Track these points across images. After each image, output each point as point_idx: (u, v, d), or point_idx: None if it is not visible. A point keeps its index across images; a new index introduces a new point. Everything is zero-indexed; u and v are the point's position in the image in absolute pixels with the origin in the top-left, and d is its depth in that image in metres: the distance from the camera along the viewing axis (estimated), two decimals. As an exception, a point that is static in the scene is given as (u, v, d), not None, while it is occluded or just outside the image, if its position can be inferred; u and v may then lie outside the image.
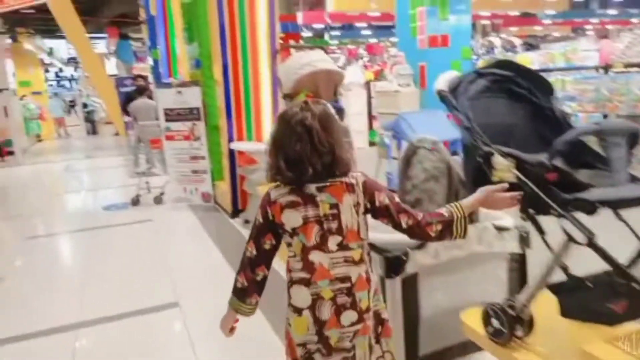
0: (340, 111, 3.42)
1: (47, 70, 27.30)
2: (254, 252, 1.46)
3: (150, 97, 8.82)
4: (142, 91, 8.95)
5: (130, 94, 9.98)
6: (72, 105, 20.77)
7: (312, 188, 1.39)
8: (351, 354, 1.43)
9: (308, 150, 1.35)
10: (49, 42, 20.03)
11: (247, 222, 5.18)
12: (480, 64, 10.17)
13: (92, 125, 18.07)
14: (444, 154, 2.38)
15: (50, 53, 19.90)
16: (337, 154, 1.38)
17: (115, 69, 22.30)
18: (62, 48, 22.93)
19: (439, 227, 1.43)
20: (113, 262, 4.41)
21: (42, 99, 19.17)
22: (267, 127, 5.15)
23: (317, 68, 2.90)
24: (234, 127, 5.13)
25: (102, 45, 22.21)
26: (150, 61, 14.08)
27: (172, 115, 6.02)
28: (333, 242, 1.39)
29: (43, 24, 15.71)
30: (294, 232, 1.40)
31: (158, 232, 5.29)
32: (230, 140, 5.22)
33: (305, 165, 1.36)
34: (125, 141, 12.00)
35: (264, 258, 1.47)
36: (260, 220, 1.45)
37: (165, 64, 10.17)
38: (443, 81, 1.77)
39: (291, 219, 1.40)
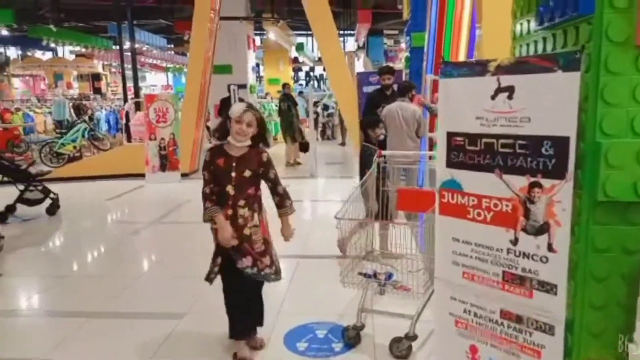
0: None
1: (299, 69, 27.43)
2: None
3: (411, 99, 5.38)
4: (404, 90, 5.55)
5: (373, 95, 6.68)
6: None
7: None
8: None
9: None
10: (298, 39, 18.91)
11: None
12: None
13: (326, 129, 15.96)
14: None
15: (300, 49, 18.71)
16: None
17: (362, 68, 20.19)
18: (314, 46, 22.00)
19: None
20: None
21: (287, 98, 18.15)
22: None
23: None
24: None
25: (350, 43, 20.35)
26: (404, 53, 10.80)
27: (471, 152, 2.19)
28: None
29: (291, 17, 14.11)
30: None
31: None
32: None
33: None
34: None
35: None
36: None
37: (432, 52, 6.51)
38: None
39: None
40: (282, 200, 2.87)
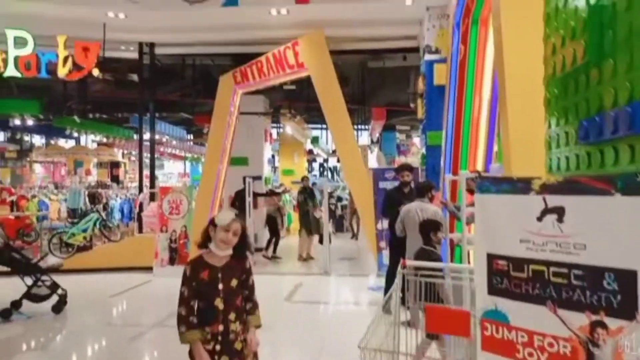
0: None
1: (314, 160, 27.87)
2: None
3: (431, 199, 5.24)
4: (423, 190, 5.44)
5: (391, 192, 6.54)
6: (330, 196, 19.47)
7: None
8: None
9: None
10: (314, 132, 19.44)
11: None
12: None
13: (338, 221, 15.73)
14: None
15: (315, 142, 19.12)
16: None
17: (375, 162, 20.44)
18: (329, 138, 22.51)
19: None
20: None
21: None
22: None
23: None
24: None
25: (364, 137, 20.83)
26: (418, 149, 10.85)
27: (517, 279, 1.93)
28: None
29: (307, 112, 14.55)
30: None
31: None
32: None
33: None
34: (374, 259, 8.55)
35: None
36: None
37: (449, 152, 6.45)
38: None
39: None
40: (254, 309, 2.70)
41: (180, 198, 8.87)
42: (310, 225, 10.13)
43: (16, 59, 8.43)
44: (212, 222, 2.66)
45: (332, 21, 8.73)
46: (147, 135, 10.90)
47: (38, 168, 24.63)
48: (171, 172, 30.85)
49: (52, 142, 22.65)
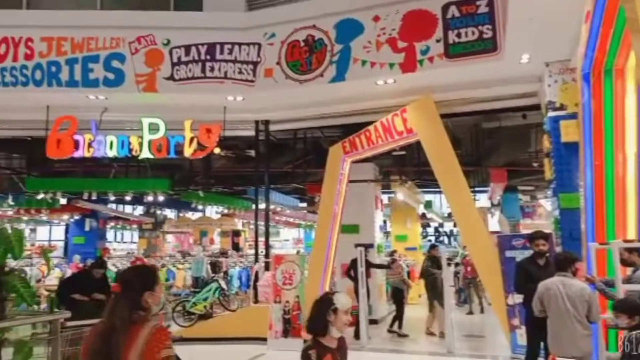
0: None
1: (427, 225, 26.88)
2: None
3: (574, 273, 4.51)
4: (564, 263, 4.74)
5: (524, 264, 5.80)
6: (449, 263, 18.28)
7: None
8: None
9: None
10: (427, 196, 18.80)
11: None
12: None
13: (462, 292, 14.49)
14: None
15: (429, 206, 18.43)
16: None
17: (497, 226, 18.99)
18: (443, 202, 21.62)
19: None
20: None
21: (416, 255, 17.28)
22: None
23: None
24: None
25: (482, 199, 19.65)
26: (546, 212, 9.79)
27: None
28: None
29: (419, 176, 14.12)
30: None
31: None
32: None
33: None
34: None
35: None
36: None
37: (591, 216, 5.61)
38: None
39: None
40: None
41: (293, 268, 8.83)
42: (437, 294, 9.26)
43: (150, 142, 9.40)
44: (330, 306, 2.66)
45: (441, 86, 8.50)
46: (262, 205, 11.31)
47: (170, 238, 26.97)
48: (286, 240, 31.93)
49: (182, 214, 24.78)
